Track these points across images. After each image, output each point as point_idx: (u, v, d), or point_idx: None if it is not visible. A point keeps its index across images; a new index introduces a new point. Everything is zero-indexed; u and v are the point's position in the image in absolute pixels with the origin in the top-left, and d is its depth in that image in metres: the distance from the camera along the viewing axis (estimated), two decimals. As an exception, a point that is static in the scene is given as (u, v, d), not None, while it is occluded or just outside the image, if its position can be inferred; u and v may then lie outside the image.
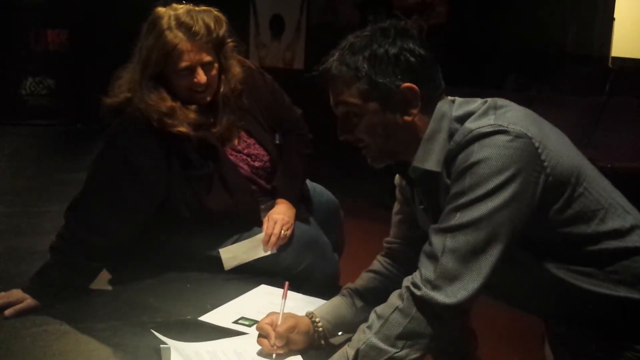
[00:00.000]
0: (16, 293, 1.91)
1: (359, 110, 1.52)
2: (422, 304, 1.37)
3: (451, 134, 1.48)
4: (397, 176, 1.77)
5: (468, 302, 1.36)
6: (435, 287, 1.36)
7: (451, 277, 1.35)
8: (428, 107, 1.52)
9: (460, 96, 1.58)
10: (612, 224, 1.46)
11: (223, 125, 2.22)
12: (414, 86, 1.49)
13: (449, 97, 1.57)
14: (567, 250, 1.46)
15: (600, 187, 1.49)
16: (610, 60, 5.08)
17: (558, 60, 5.53)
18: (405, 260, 1.75)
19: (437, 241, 1.39)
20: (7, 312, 1.86)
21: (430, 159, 1.50)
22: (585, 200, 1.44)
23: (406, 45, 1.49)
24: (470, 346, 1.98)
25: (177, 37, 2.07)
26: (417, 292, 1.37)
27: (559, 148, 1.44)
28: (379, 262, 1.82)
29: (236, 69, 2.26)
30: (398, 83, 1.48)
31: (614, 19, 5.07)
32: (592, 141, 4.82)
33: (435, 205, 1.53)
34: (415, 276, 1.41)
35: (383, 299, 1.47)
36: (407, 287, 1.40)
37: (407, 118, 1.51)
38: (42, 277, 1.95)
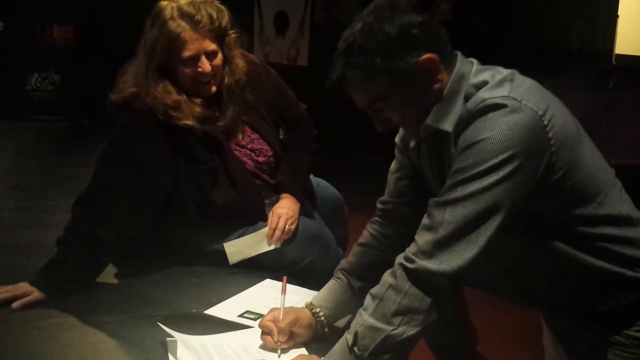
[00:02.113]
0: (23, 286, 1.92)
1: (390, 102, 1.49)
2: (416, 277, 1.38)
3: (466, 99, 1.46)
4: (398, 135, 1.76)
5: (462, 271, 1.36)
6: (429, 255, 1.36)
7: (446, 246, 1.36)
8: (448, 65, 1.50)
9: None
10: (609, 209, 1.48)
11: (228, 118, 2.24)
12: (431, 55, 1.46)
13: (468, 59, 1.55)
14: (566, 228, 1.48)
15: (602, 173, 1.51)
16: (614, 57, 5.06)
17: (562, 57, 5.53)
18: (399, 220, 1.74)
19: (436, 213, 1.39)
20: (14, 305, 1.87)
21: (445, 120, 1.48)
22: (586, 182, 1.45)
23: (404, 20, 1.45)
24: (470, 341, 1.99)
25: (180, 26, 2.09)
26: (410, 266, 1.38)
27: (567, 129, 1.44)
28: (369, 234, 1.81)
29: (240, 61, 2.27)
30: (415, 60, 1.45)
31: (617, 16, 5.06)
32: (596, 138, 4.82)
33: (441, 168, 1.53)
34: (409, 250, 1.41)
35: (377, 272, 1.47)
36: (400, 264, 1.41)
37: (436, 86, 1.49)
38: (49, 271, 1.97)
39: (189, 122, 2.13)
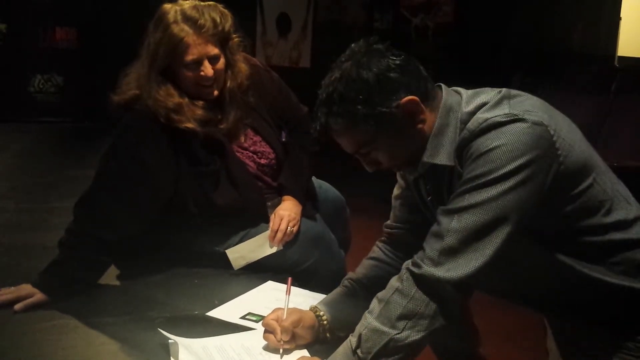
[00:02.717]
0: (26, 288, 1.93)
1: (375, 146, 1.51)
2: (422, 282, 1.38)
3: (463, 124, 1.46)
4: None
5: (467, 280, 1.36)
6: (436, 263, 1.37)
7: (453, 254, 1.37)
8: (431, 102, 1.52)
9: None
10: (616, 215, 1.48)
11: (230, 121, 2.24)
12: (411, 97, 1.47)
13: (452, 88, 1.56)
14: (573, 240, 1.48)
15: (607, 178, 1.51)
16: (616, 59, 5.06)
17: (564, 59, 5.52)
18: (405, 246, 1.74)
19: (444, 221, 1.40)
20: (17, 306, 1.87)
21: (440, 154, 1.50)
22: (593, 191, 1.46)
23: (381, 65, 1.47)
24: (473, 343, 1.99)
25: (183, 30, 2.09)
26: (417, 271, 1.39)
27: (572, 138, 1.45)
28: (379, 249, 1.82)
29: (242, 65, 2.27)
30: (395, 103, 1.47)
31: (620, 18, 5.06)
32: (599, 140, 4.81)
33: (441, 198, 1.54)
34: (417, 256, 1.42)
35: (385, 285, 1.48)
36: (407, 268, 1.41)
37: (420, 126, 1.51)
38: (51, 272, 1.97)
39: (191, 125, 2.13)
